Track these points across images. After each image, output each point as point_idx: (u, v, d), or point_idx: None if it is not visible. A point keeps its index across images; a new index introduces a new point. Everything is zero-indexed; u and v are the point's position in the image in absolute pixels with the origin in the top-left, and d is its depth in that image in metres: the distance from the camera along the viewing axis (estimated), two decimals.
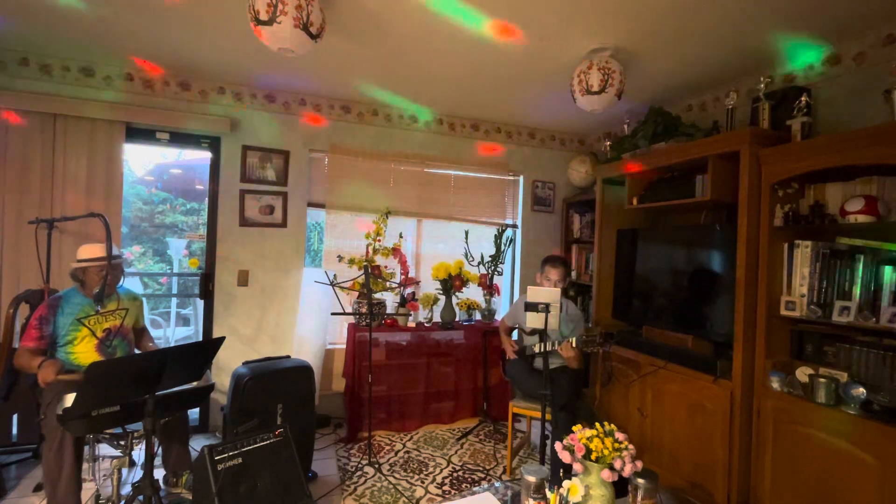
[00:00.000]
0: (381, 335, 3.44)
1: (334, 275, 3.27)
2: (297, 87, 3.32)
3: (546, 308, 2.27)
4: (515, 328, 3.09)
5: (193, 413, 3.30)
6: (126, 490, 2.11)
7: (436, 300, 3.73)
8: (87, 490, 2.25)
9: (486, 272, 3.90)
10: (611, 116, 3.65)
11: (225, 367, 3.23)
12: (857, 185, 2.05)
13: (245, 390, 2.35)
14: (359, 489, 2.59)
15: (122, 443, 2.09)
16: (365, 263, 3.34)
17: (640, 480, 1.53)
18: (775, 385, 2.16)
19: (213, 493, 1.76)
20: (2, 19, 2.41)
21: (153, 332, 2.52)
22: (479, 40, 2.46)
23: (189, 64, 2.95)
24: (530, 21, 2.24)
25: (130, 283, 2.64)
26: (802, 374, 2.12)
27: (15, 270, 2.77)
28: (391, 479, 2.72)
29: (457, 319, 3.74)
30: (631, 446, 1.54)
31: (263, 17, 1.88)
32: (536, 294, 2.37)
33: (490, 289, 3.90)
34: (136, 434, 2.07)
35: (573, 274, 4.04)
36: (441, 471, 2.86)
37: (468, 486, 2.70)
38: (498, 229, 3.98)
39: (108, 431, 2.05)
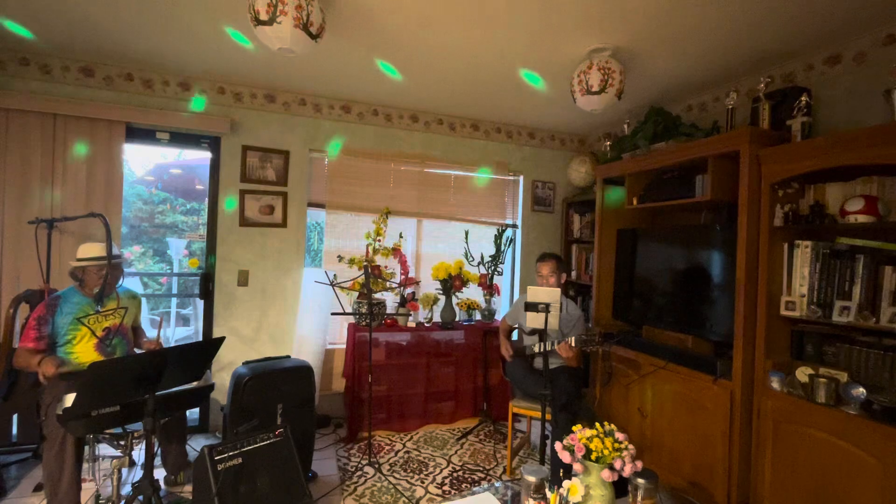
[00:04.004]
0: (381, 335, 3.44)
1: (334, 275, 3.27)
2: (297, 87, 3.32)
3: (546, 308, 2.27)
4: (516, 328, 3.09)
5: (193, 413, 3.29)
6: (126, 490, 2.12)
7: (436, 300, 3.73)
8: (87, 490, 2.25)
9: (486, 272, 3.90)
10: (611, 116, 3.65)
11: (225, 367, 3.23)
12: (857, 185, 2.05)
13: (245, 390, 2.35)
14: (359, 489, 2.59)
15: (122, 443, 2.09)
16: (365, 263, 3.34)
17: (640, 480, 1.53)
18: (775, 385, 2.16)
19: (213, 493, 1.76)
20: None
21: (153, 333, 2.53)
22: (480, 40, 2.46)
23: (189, 64, 2.95)
24: (530, 21, 2.24)
25: (130, 284, 2.64)
26: (802, 374, 2.12)
27: (15, 270, 2.77)
28: (391, 479, 2.72)
29: (457, 319, 3.74)
30: (631, 446, 1.55)
31: (263, 17, 1.88)
32: (536, 294, 2.37)
33: (490, 289, 3.90)
34: (136, 434, 2.07)
35: (573, 274, 4.04)
36: (441, 471, 2.86)
37: (468, 486, 2.70)
38: (498, 229, 3.98)
39: (108, 431, 2.05)
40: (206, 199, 3.36)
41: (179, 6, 2.23)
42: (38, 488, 2.42)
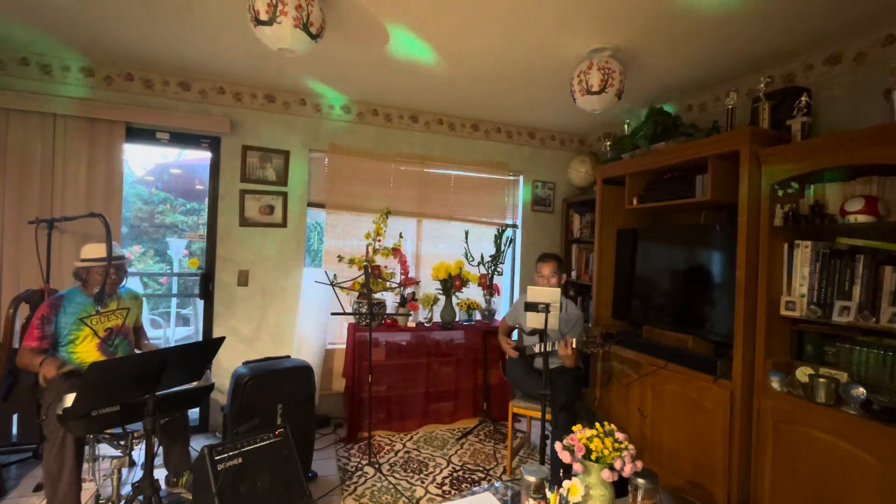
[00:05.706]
0: (381, 335, 3.44)
1: (334, 275, 3.27)
2: (297, 87, 3.32)
3: (546, 308, 2.27)
4: (516, 328, 3.09)
5: (193, 413, 3.30)
6: (126, 490, 2.11)
7: (436, 300, 3.73)
8: (87, 490, 2.25)
9: (486, 272, 3.90)
10: (611, 116, 3.65)
11: (225, 367, 3.23)
12: (857, 185, 2.05)
13: (245, 390, 2.35)
14: (359, 489, 2.59)
15: (122, 443, 2.09)
16: (365, 263, 3.34)
17: (640, 480, 1.53)
18: (775, 385, 2.16)
19: (213, 493, 1.76)
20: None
21: (153, 333, 2.53)
22: (479, 40, 2.46)
23: (189, 64, 2.95)
24: (531, 21, 2.24)
25: (131, 283, 2.64)
26: (802, 374, 2.12)
27: (15, 270, 2.77)
28: (391, 479, 2.72)
29: (457, 319, 3.74)
30: (631, 446, 1.55)
31: (263, 17, 1.88)
32: (536, 294, 2.36)
33: (490, 289, 3.90)
34: (136, 434, 2.07)
35: (573, 274, 4.04)
36: (441, 471, 2.86)
37: (468, 486, 2.70)
38: (498, 229, 3.98)
39: (108, 431, 2.05)
40: (206, 199, 3.36)
41: (180, 6, 2.23)
42: (38, 488, 2.42)
